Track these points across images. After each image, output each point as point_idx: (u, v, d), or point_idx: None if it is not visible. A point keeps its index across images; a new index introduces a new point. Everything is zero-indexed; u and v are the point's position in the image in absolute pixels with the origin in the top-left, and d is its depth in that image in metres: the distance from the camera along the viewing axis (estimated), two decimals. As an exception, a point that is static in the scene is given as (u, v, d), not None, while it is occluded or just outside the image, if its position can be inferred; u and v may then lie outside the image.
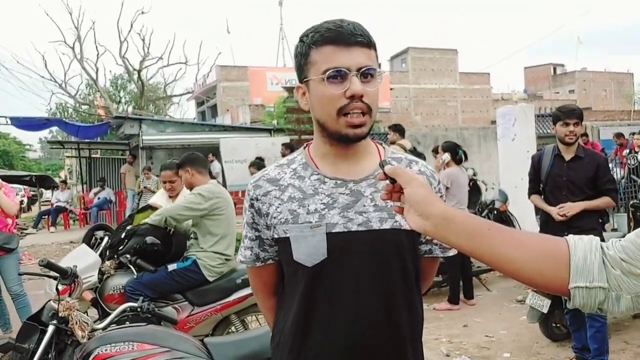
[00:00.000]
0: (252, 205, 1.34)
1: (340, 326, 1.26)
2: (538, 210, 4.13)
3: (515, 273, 0.93)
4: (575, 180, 3.59)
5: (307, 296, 1.27)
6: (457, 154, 5.51)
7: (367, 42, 1.23)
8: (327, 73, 1.20)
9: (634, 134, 10.43)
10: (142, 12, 32.55)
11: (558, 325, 4.26)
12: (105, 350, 2.23)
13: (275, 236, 1.30)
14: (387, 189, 1.07)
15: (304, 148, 1.39)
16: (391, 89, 30.77)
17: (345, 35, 1.20)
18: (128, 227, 3.93)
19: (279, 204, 1.29)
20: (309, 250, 1.25)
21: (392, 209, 1.19)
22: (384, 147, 1.41)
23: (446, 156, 5.46)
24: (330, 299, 1.26)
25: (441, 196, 1.40)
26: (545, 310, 4.01)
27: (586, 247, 0.90)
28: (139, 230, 3.79)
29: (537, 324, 4.22)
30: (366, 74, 1.21)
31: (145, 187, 10.81)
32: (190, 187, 3.92)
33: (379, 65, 1.29)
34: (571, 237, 0.93)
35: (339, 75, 1.20)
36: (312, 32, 1.24)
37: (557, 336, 4.27)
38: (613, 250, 0.89)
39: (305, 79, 1.27)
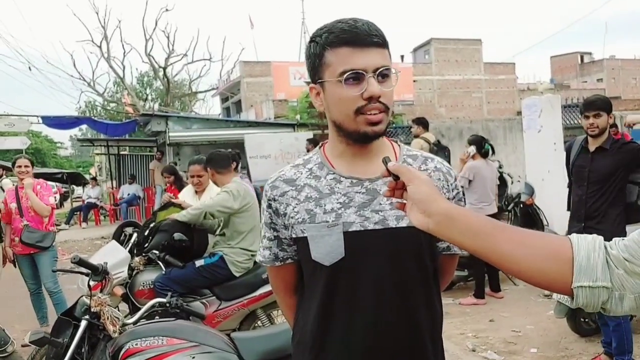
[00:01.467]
0: (269, 206, 1.36)
1: (359, 325, 1.27)
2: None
3: (518, 272, 0.93)
4: (596, 171, 3.54)
5: (326, 295, 1.29)
6: (482, 147, 5.47)
7: (382, 42, 1.23)
8: (345, 75, 1.20)
9: None
10: (167, 10, 32.81)
11: (586, 320, 4.20)
12: (136, 344, 2.30)
13: (293, 236, 1.32)
14: (390, 186, 1.07)
15: (320, 148, 1.40)
16: (414, 81, 30.45)
17: (361, 35, 1.20)
18: (151, 225, 4.02)
19: (296, 204, 1.31)
20: (326, 249, 1.26)
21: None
22: (399, 145, 1.42)
23: (472, 149, 5.43)
24: (348, 297, 1.27)
25: (457, 193, 1.40)
26: (572, 305, 3.95)
27: (589, 246, 0.89)
28: (161, 226, 3.88)
29: (565, 319, 4.17)
30: (382, 74, 1.22)
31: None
32: (215, 184, 4.02)
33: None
34: (575, 236, 0.92)
35: (356, 77, 1.20)
36: (325, 32, 1.23)
37: (586, 331, 4.20)
38: (616, 250, 0.88)
39: (319, 80, 1.28)
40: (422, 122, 6.81)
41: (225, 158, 3.99)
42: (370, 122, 1.22)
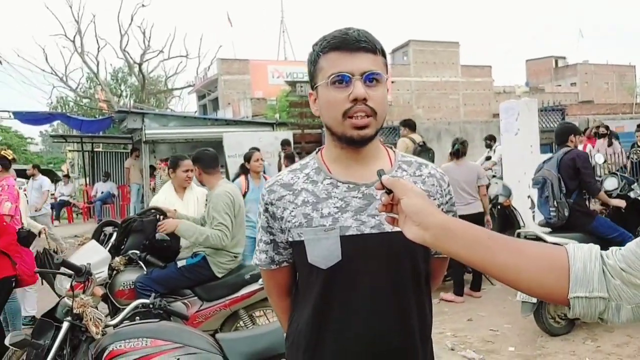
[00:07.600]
0: (266, 210, 1.37)
1: (353, 327, 1.29)
2: None
3: (515, 282, 0.93)
4: None
5: (321, 298, 1.30)
6: (452, 147, 5.50)
7: (372, 48, 1.26)
8: (331, 78, 1.24)
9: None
10: (143, 5, 32.37)
11: (554, 318, 4.28)
12: (120, 346, 2.26)
13: (290, 239, 1.33)
14: (383, 201, 1.07)
15: (316, 153, 1.42)
16: (392, 82, 30.70)
17: (349, 41, 1.24)
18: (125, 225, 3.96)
19: (293, 208, 1.32)
20: (323, 253, 1.28)
21: None
22: (394, 151, 1.44)
23: None
24: (344, 300, 1.29)
25: (450, 198, 1.42)
26: (534, 300, 4.02)
27: (586, 257, 0.89)
28: (134, 227, 3.83)
29: (536, 320, 4.24)
30: (371, 79, 1.24)
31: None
32: (201, 183, 3.99)
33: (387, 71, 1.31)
34: (571, 246, 0.92)
35: (343, 80, 1.23)
36: (321, 40, 1.29)
37: (556, 330, 4.27)
38: (613, 260, 0.87)
39: (315, 85, 1.32)
40: (409, 124, 7.10)
41: (214, 158, 3.93)
42: (356, 126, 1.25)
